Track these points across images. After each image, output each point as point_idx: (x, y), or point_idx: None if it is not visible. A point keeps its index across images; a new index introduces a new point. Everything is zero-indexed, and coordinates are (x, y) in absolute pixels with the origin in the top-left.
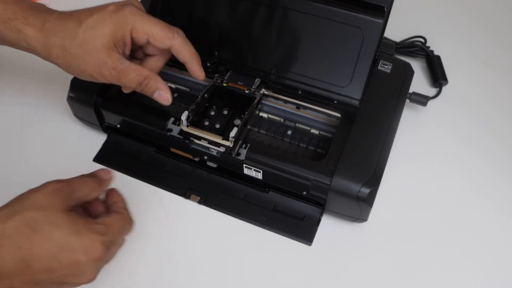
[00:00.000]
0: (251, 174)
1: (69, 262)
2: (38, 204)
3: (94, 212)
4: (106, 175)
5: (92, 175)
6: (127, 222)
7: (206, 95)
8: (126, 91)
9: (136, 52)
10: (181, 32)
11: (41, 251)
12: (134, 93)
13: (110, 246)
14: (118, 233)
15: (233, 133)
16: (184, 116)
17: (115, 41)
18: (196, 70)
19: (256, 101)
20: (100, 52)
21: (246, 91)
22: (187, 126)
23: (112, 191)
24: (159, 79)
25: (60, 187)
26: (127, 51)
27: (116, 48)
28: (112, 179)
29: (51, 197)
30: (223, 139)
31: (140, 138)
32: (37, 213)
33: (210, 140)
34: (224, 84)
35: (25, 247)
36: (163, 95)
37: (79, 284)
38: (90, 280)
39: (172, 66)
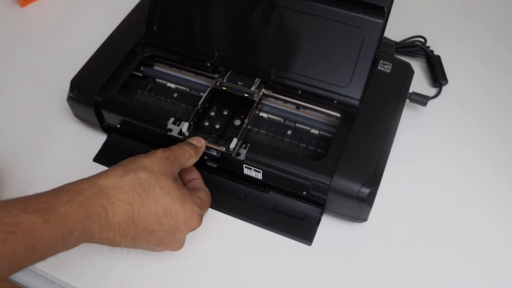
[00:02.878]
0: (251, 174)
1: (169, 227)
2: (150, 168)
3: None
4: (198, 143)
5: (188, 144)
6: (210, 200)
7: (206, 99)
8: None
9: None
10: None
11: (148, 211)
12: (134, 93)
13: (202, 220)
14: (206, 209)
15: (232, 144)
16: (185, 128)
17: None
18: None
19: (256, 103)
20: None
21: (246, 95)
22: (189, 136)
23: (190, 167)
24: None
25: (167, 155)
26: None
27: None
28: (204, 147)
29: (161, 163)
30: (226, 150)
31: (140, 138)
32: (150, 176)
33: (212, 147)
34: (224, 88)
35: (136, 204)
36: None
37: (168, 250)
38: (178, 249)
39: (172, 66)
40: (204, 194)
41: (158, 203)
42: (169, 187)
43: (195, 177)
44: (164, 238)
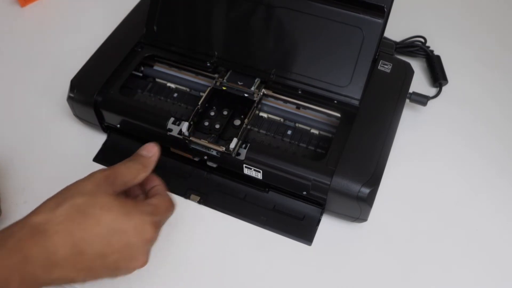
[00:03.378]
0: (251, 174)
1: (121, 245)
2: (87, 191)
3: (132, 195)
4: (149, 152)
5: (136, 157)
6: (171, 204)
7: (206, 99)
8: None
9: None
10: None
11: (93, 236)
12: (134, 93)
13: (158, 227)
14: (164, 214)
15: (232, 144)
16: (184, 128)
17: None
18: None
19: (256, 103)
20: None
21: (246, 95)
22: (189, 136)
23: (150, 176)
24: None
25: (106, 174)
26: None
27: None
28: (157, 155)
29: (99, 184)
30: (226, 150)
31: (140, 138)
32: (87, 198)
33: (212, 147)
34: (224, 88)
35: (76, 232)
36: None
37: (133, 269)
38: (143, 263)
39: (172, 66)
40: (159, 199)
41: (100, 223)
42: (109, 204)
43: (155, 184)
44: (121, 258)
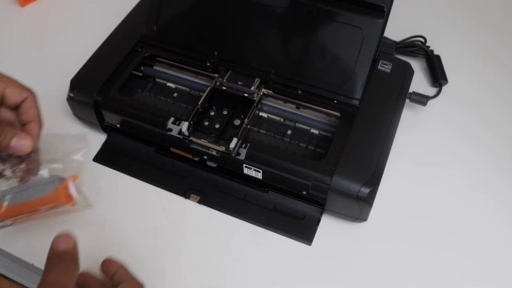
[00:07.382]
0: (251, 174)
1: None
2: None
3: None
4: (67, 243)
5: (56, 257)
6: (140, 286)
7: (205, 98)
8: None
9: None
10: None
11: None
12: (134, 93)
13: None
14: None
15: (232, 144)
16: (184, 128)
17: None
18: (34, 132)
19: (255, 103)
20: None
21: (246, 94)
22: (189, 136)
23: (107, 262)
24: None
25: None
26: None
27: None
28: (76, 243)
29: None
30: (226, 150)
31: (140, 138)
32: None
33: (212, 147)
34: (224, 88)
35: None
36: (22, 141)
37: None
38: None
39: (172, 66)
40: (126, 286)
41: None
42: None
43: (115, 269)
44: None
